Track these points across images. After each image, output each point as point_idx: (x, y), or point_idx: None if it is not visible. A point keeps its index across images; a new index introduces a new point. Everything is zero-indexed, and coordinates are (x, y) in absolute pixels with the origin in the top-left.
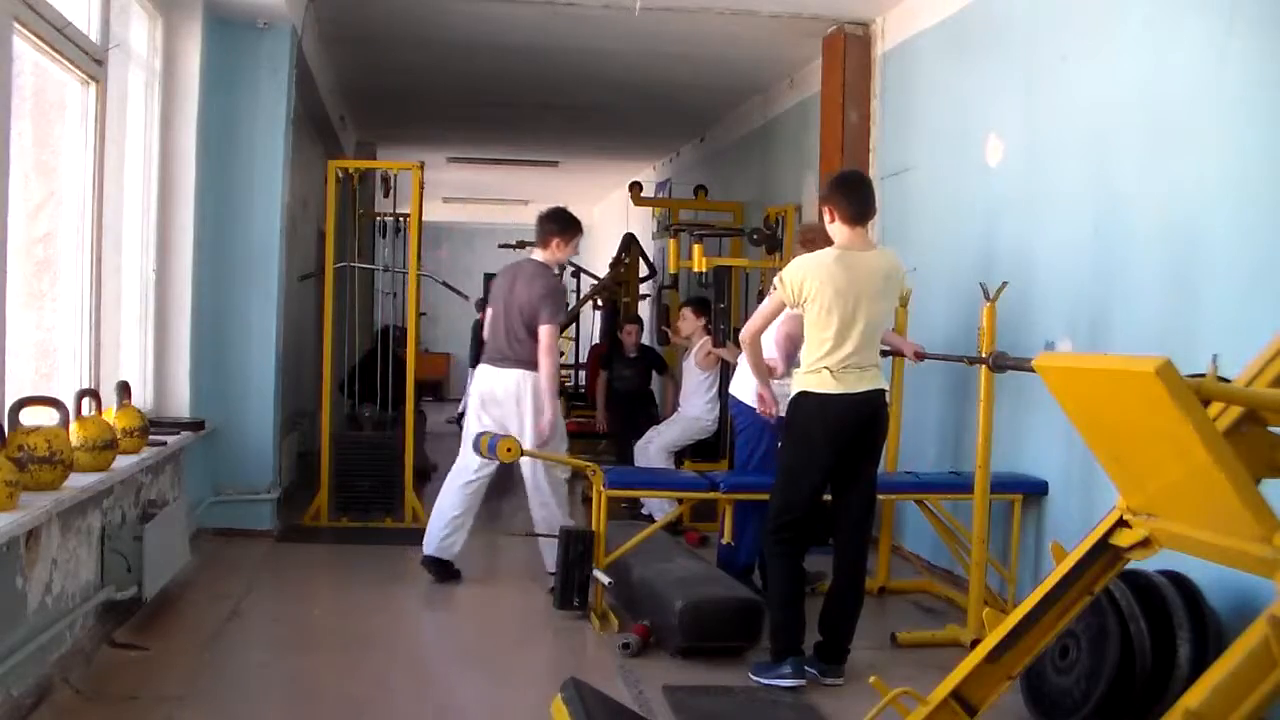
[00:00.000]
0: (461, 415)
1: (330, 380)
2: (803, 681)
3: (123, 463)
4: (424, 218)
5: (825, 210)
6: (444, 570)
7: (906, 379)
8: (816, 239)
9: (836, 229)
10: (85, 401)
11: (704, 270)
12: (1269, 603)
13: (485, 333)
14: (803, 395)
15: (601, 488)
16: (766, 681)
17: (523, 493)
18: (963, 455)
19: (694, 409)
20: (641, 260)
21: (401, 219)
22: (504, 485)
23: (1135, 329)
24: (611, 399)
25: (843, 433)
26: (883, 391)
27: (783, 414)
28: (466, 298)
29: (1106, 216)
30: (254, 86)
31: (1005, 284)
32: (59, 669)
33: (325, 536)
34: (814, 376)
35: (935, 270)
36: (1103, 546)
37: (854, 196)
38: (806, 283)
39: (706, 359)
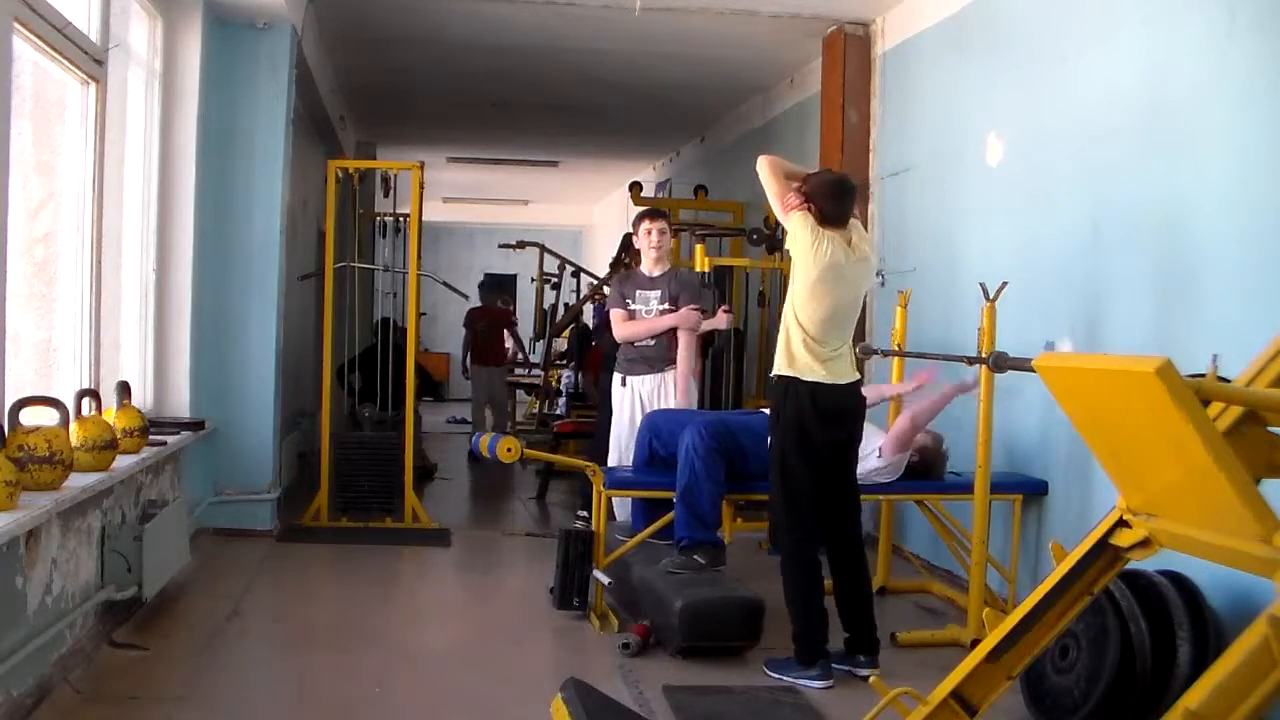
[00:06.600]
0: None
1: (330, 375)
2: (831, 683)
3: (123, 463)
4: (424, 217)
5: (807, 204)
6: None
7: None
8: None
9: None
10: (85, 401)
11: (705, 270)
12: (1269, 603)
13: None
14: (794, 392)
15: (602, 488)
16: (790, 679)
17: (522, 493)
18: (962, 455)
19: None
20: None
21: (401, 219)
22: (504, 485)
23: (1135, 329)
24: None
25: (830, 423)
26: (860, 381)
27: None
28: (466, 297)
29: (1106, 216)
30: (254, 86)
31: (1005, 284)
32: (59, 669)
33: (325, 536)
34: (805, 358)
35: (935, 270)
36: (1102, 546)
37: (837, 203)
38: (824, 239)
39: None
